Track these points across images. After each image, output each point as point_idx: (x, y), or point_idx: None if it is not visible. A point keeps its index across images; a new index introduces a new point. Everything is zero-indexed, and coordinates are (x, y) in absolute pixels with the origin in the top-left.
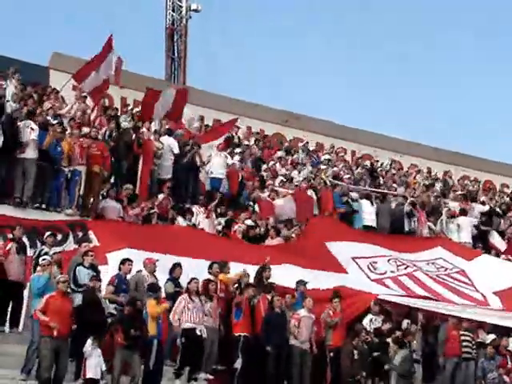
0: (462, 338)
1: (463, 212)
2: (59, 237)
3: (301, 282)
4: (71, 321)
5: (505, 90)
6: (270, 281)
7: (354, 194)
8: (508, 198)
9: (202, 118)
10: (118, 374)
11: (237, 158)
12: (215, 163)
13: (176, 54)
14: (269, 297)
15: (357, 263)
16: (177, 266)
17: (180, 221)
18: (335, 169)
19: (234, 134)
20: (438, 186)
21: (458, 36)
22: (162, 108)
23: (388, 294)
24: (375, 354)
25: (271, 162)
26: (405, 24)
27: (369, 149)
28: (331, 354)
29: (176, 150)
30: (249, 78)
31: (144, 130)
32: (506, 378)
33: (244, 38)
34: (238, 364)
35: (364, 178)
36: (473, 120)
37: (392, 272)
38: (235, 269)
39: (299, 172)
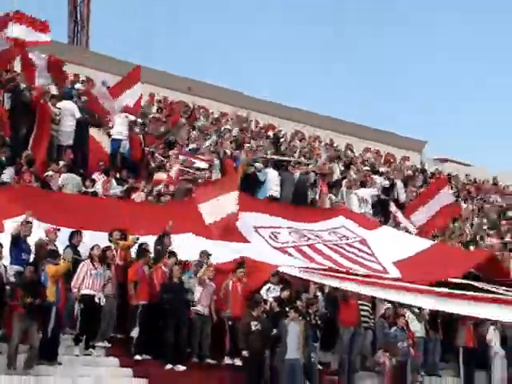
0: (361, 307)
1: (364, 184)
2: None
3: (204, 252)
4: None
5: (410, 64)
6: (170, 249)
7: (258, 165)
8: (409, 171)
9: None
10: (16, 343)
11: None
12: (116, 124)
13: (79, 18)
14: (168, 265)
15: (259, 233)
16: (76, 233)
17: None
18: (238, 138)
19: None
20: (340, 157)
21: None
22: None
23: (289, 266)
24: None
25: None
26: None
27: (272, 119)
28: (229, 323)
29: (78, 115)
30: (150, 43)
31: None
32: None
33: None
34: (135, 333)
35: (267, 148)
36: (376, 93)
37: (294, 242)
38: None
39: (202, 140)
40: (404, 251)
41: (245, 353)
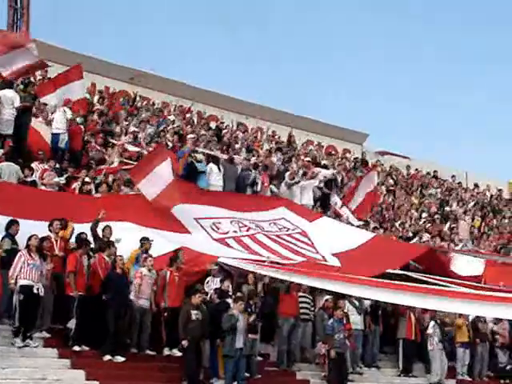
0: (301, 299)
1: (305, 175)
2: None
3: (144, 240)
4: None
5: (352, 57)
6: (111, 239)
7: (198, 156)
8: (351, 164)
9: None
10: None
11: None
12: (56, 118)
13: (19, 4)
14: (108, 255)
15: (199, 223)
16: (14, 222)
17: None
18: (180, 128)
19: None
20: (282, 149)
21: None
22: None
23: (229, 257)
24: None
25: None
26: None
27: (215, 110)
28: (165, 314)
29: (17, 104)
30: (92, 32)
31: None
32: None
33: None
34: (72, 324)
35: (210, 140)
36: (316, 84)
37: (234, 232)
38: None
39: (143, 131)
40: (345, 243)
41: (184, 342)
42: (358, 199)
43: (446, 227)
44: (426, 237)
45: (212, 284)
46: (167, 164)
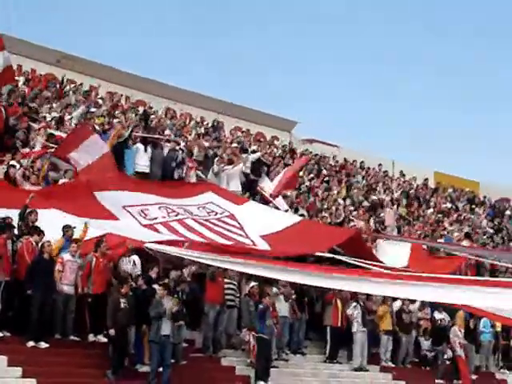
0: (226, 285)
1: (233, 161)
2: None
3: (68, 227)
4: None
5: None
6: (36, 224)
7: (126, 140)
8: (279, 150)
9: None
10: None
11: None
12: None
13: None
14: (35, 240)
15: (128, 211)
16: None
17: None
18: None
19: None
20: (210, 134)
21: None
22: None
23: (157, 242)
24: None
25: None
26: None
27: (143, 95)
28: (89, 300)
29: None
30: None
31: None
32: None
33: None
34: None
35: (137, 124)
36: (246, 71)
37: (163, 218)
38: None
39: (70, 114)
40: (272, 225)
41: (112, 331)
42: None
43: (372, 215)
44: (352, 224)
45: (135, 268)
46: (96, 138)
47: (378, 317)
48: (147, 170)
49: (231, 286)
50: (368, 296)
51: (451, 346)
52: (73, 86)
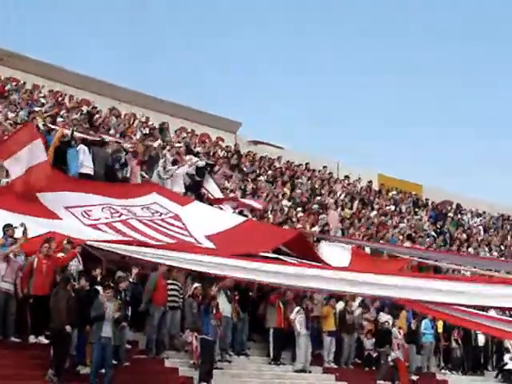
0: (170, 287)
1: (177, 163)
2: None
3: (8, 226)
4: None
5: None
6: None
7: (70, 140)
8: (222, 152)
9: None
10: None
11: None
12: None
13: None
14: None
15: (71, 212)
16: None
17: None
18: (52, 112)
19: None
20: (156, 135)
21: None
22: None
23: (98, 241)
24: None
25: None
26: None
27: (88, 94)
28: (30, 301)
29: None
30: None
31: None
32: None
33: None
34: None
35: (81, 124)
36: (192, 71)
37: (106, 218)
38: None
39: (13, 112)
40: (217, 225)
41: (52, 331)
42: None
43: (316, 217)
44: (296, 226)
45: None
46: (37, 144)
47: (322, 317)
48: (91, 172)
49: (175, 287)
50: (311, 299)
51: (393, 348)
52: (14, 84)
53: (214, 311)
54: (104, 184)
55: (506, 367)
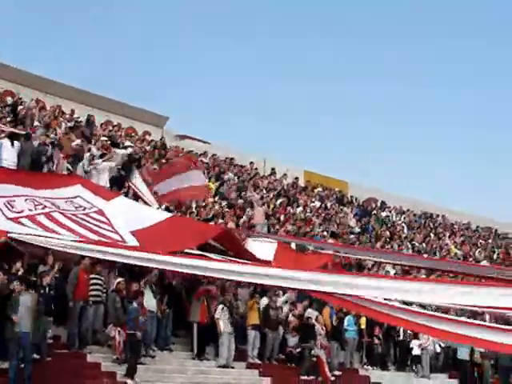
0: (93, 281)
1: (103, 156)
2: None
3: None
4: None
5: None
6: None
7: None
8: (149, 146)
9: None
10: None
11: None
12: None
13: None
14: None
15: None
16: None
17: None
18: None
19: None
20: (82, 129)
21: None
22: None
23: (21, 234)
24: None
25: None
26: None
27: (12, 85)
28: None
29: None
30: None
31: None
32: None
33: None
34: None
35: (4, 116)
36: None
37: (30, 210)
38: None
39: None
40: (142, 221)
41: None
42: (171, 187)
43: (242, 212)
44: (222, 221)
45: None
46: None
47: (246, 312)
48: (14, 166)
49: (98, 281)
50: (236, 296)
51: (317, 344)
52: None
53: (140, 306)
54: (27, 175)
55: (413, 353)
